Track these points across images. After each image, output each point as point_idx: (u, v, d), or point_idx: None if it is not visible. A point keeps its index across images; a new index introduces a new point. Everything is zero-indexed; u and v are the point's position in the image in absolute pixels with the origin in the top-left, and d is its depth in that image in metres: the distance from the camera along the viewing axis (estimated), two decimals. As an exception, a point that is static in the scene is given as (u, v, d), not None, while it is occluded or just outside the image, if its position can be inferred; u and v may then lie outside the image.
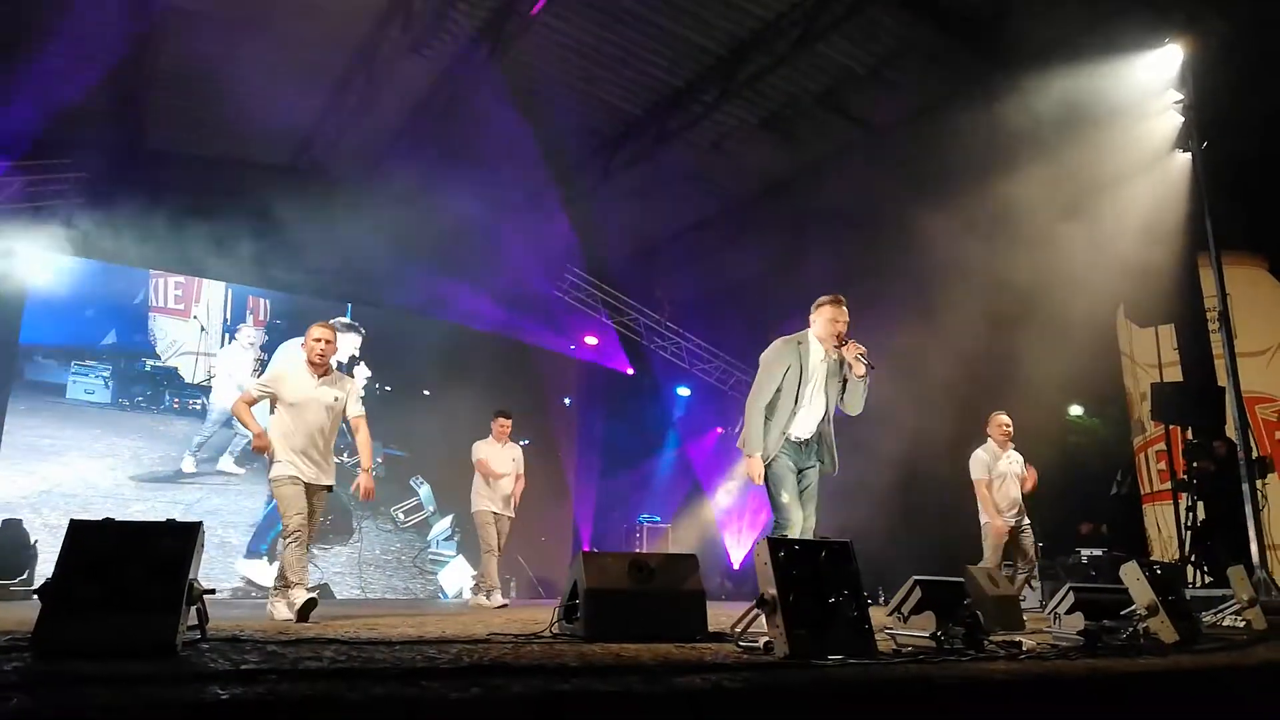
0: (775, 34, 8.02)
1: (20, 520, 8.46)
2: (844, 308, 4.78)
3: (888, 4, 7.69)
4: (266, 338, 10.88)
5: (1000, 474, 6.91)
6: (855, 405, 4.85)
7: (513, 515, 7.84)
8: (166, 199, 9.04)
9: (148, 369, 10.14)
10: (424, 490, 11.65)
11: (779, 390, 4.70)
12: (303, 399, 5.17)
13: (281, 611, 4.93)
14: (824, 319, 4.77)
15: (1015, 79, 7.78)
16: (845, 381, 4.83)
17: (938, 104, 8.65)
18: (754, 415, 4.72)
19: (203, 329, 10.48)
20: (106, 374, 9.86)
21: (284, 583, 5.03)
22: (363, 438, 5.41)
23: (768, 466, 4.65)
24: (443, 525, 11.67)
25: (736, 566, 13.02)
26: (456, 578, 11.43)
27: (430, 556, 11.52)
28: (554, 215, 11.07)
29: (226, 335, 10.68)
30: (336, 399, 5.28)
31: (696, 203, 11.10)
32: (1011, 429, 7.00)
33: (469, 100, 8.92)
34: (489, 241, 11.49)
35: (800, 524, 4.57)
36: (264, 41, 8.01)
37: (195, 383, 10.37)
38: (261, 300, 10.98)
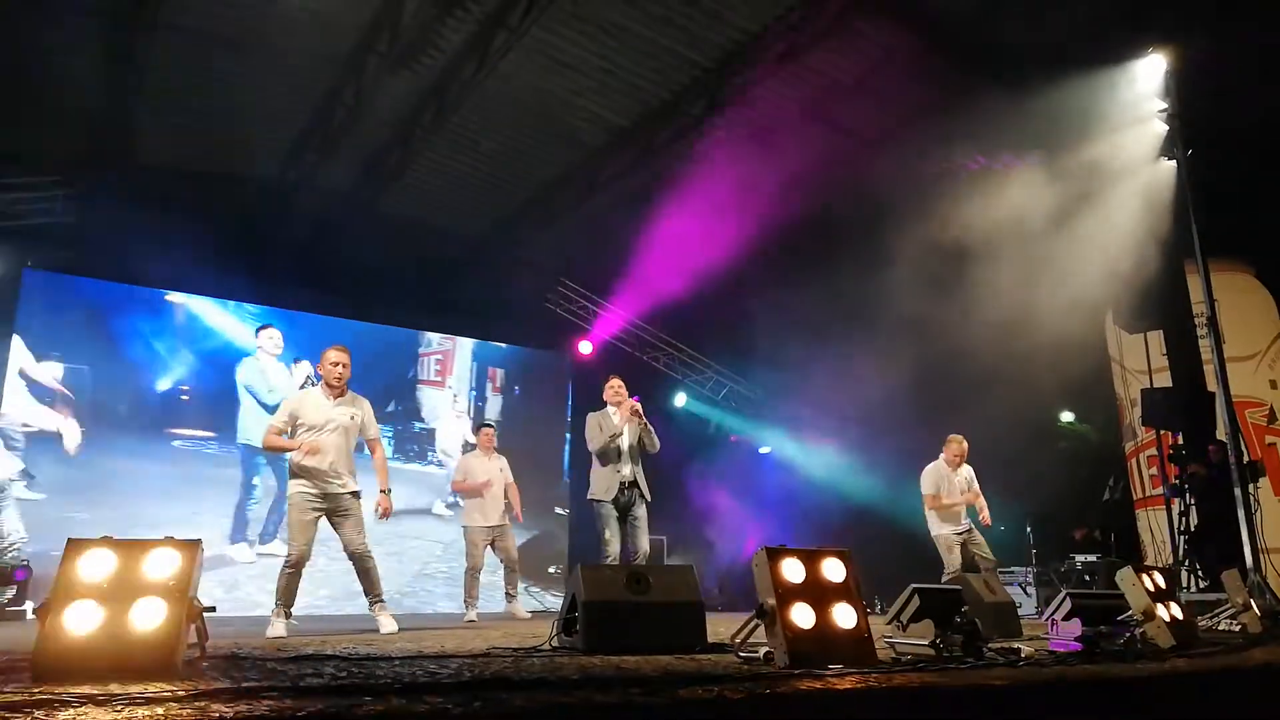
0: (761, 46, 8.08)
1: None
2: (617, 383, 6.56)
3: (871, 16, 7.75)
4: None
5: (950, 489, 7.55)
6: (651, 445, 6.42)
7: (508, 524, 7.87)
8: (157, 214, 8.99)
9: (416, 430, 12.08)
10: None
11: (605, 446, 6.31)
12: (321, 421, 5.39)
13: (276, 629, 5.12)
14: (610, 395, 6.52)
15: (1000, 89, 7.85)
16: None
17: (923, 114, 8.72)
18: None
19: (455, 396, 12.43)
20: (390, 434, 11.55)
21: (282, 602, 5.26)
22: (379, 458, 5.70)
23: (598, 508, 6.26)
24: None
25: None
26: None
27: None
28: (543, 227, 11.09)
29: (472, 399, 12.56)
30: (353, 418, 5.52)
31: (687, 212, 11.12)
32: (965, 453, 7.69)
33: (457, 114, 8.95)
34: (478, 254, 11.50)
35: (617, 555, 6.12)
36: (251, 56, 8.04)
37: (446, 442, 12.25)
38: (498, 370, 12.78)
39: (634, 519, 6.26)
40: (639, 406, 6.39)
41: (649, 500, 6.37)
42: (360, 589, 5.53)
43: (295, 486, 5.32)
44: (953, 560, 7.40)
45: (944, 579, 7.19)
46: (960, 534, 7.47)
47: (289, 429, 5.43)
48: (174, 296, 10.44)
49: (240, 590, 9.69)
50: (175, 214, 8.84)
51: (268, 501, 10.37)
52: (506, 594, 7.90)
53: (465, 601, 7.73)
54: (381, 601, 5.47)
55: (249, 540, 10.18)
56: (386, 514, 5.53)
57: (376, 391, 10.50)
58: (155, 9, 7.35)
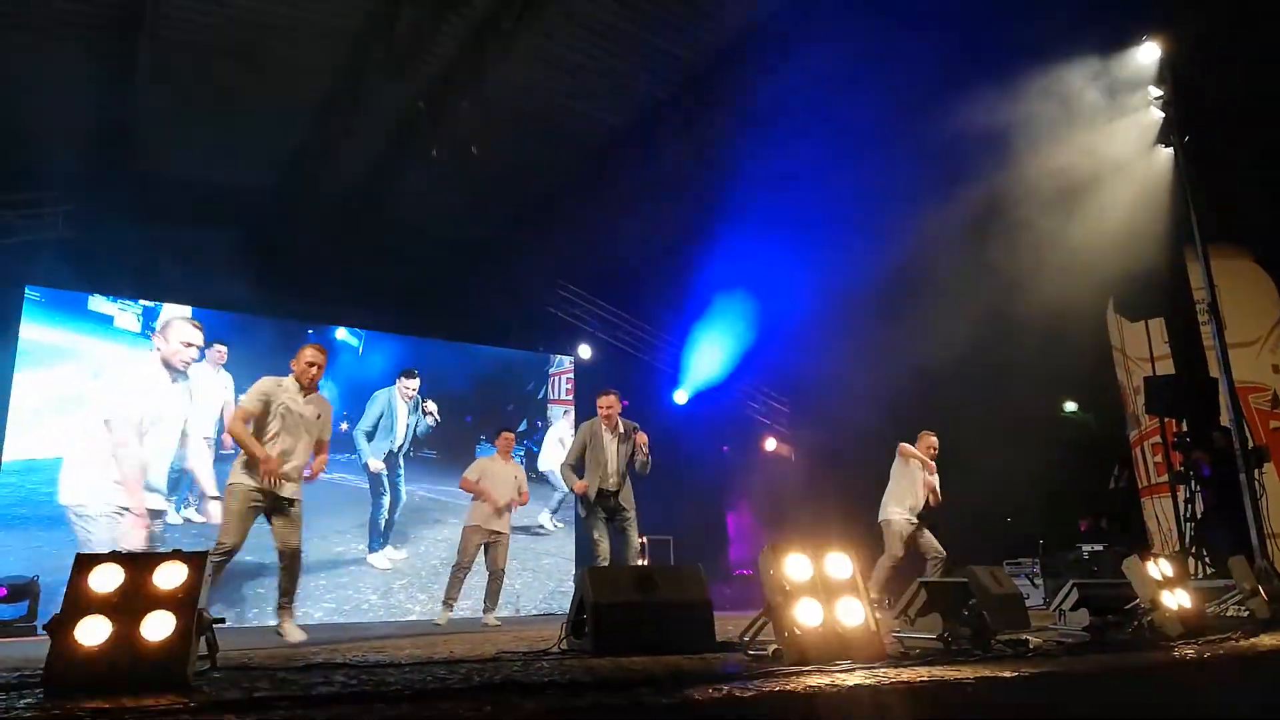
0: (753, 42, 8.09)
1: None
2: (612, 397, 6.67)
3: (864, 9, 7.76)
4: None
5: (912, 480, 7.54)
6: (643, 473, 6.64)
7: (506, 533, 7.83)
8: (153, 226, 8.98)
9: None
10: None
11: (586, 452, 6.57)
12: (294, 413, 5.18)
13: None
14: (603, 411, 6.64)
15: (997, 79, 7.85)
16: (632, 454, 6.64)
17: (920, 105, 8.71)
18: (565, 471, 6.75)
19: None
20: (520, 453, 11.68)
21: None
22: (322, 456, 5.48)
23: (588, 512, 6.46)
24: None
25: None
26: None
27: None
28: (542, 230, 11.10)
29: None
30: (319, 417, 5.33)
31: (685, 212, 11.13)
32: (937, 450, 7.65)
33: (454, 120, 8.96)
34: (478, 260, 11.51)
35: (607, 554, 6.37)
36: (248, 67, 8.06)
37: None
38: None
39: (623, 532, 6.46)
40: (646, 440, 6.59)
41: (633, 508, 6.54)
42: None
43: (240, 477, 5.01)
44: (899, 549, 7.34)
45: (885, 563, 7.27)
46: (913, 523, 7.45)
47: (259, 413, 5.13)
48: (341, 334, 11.24)
49: (393, 597, 10.17)
50: (177, 227, 8.86)
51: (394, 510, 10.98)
52: (485, 605, 7.76)
53: (444, 601, 7.56)
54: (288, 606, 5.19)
55: (394, 545, 10.65)
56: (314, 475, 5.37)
57: (501, 410, 12.03)
58: (151, 22, 7.38)
